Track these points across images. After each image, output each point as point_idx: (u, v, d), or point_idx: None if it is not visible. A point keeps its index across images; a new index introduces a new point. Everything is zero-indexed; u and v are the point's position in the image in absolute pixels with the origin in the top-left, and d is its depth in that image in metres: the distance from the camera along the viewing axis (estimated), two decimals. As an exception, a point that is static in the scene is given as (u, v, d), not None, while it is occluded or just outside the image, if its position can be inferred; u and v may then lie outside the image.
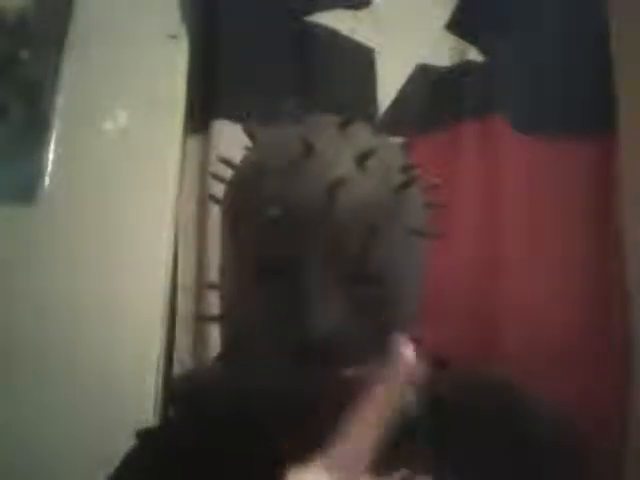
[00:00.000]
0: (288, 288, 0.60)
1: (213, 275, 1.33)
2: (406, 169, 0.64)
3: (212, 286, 0.70)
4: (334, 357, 0.59)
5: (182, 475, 0.69)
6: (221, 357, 0.71)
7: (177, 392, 0.83)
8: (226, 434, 0.68)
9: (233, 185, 0.67)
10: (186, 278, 1.40)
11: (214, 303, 1.29)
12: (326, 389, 0.58)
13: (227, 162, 0.69)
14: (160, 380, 1.34)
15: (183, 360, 1.35)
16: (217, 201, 0.70)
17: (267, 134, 0.69)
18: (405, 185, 0.62)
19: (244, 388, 0.65)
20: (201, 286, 1.37)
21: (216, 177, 0.70)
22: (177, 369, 1.34)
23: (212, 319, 0.69)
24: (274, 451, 0.60)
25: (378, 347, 0.61)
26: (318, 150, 0.61)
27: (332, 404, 0.57)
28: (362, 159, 0.61)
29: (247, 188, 0.64)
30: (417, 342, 0.68)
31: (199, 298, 1.37)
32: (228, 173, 0.70)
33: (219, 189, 0.71)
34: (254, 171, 0.63)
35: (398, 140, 0.82)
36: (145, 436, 0.76)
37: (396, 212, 0.62)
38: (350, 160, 0.61)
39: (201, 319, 0.73)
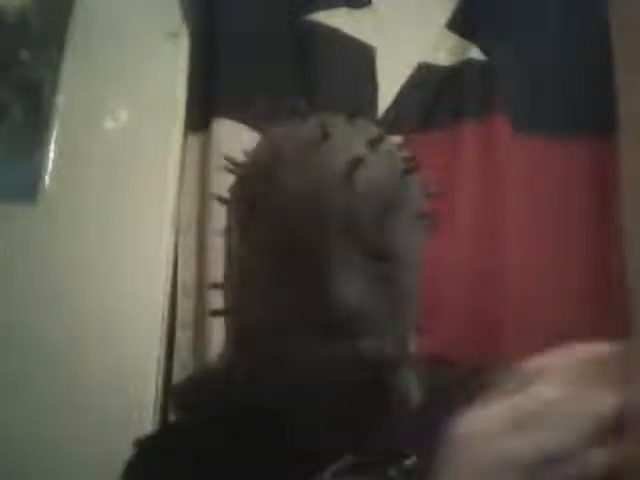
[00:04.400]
0: (309, 264, 0.62)
1: (213, 275, 1.33)
2: (407, 159, 0.67)
3: (215, 285, 0.71)
4: (354, 328, 0.61)
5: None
6: (229, 349, 0.71)
7: (179, 395, 0.83)
8: (235, 434, 0.68)
9: (249, 173, 0.68)
10: (186, 278, 1.40)
11: (215, 302, 1.30)
12: (345, 359, 0.60)
13: (231, 160, 0.71)
14: (160, 380, 1.34)
15: (183, 360, 1.35)
16: (222, 200, 0.71)
17: (279, 126, 0.71)
18: (409, 171, 0.66)
19: (263, 376, 0.66)
20: (201, 286, 1.37)
21: (229, 170, 0.71)
22: (177, 369, 1.34)
23: (221, 313, 0.70)
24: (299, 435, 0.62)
25: (391, 323, 0.63)
26: (333, 135, 0.63)
27: (350, 374, 0.58)
28: (373, 143, 0.64)
29: (266, 173, 0.65)
30: (421, 331, 0.69)
31: (199, 298, 1.38)
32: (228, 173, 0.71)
33: (222, 187, 0.72)
34: (271, 158, 0.65)
35: (398, 139, 0.83)
36: (145, 443, 0.76)
37: (404, 195, 0.65)
38: (363, 144, 0.64)
39: (212, 314, 0.73)
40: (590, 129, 1.45)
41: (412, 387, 0.66)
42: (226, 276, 0.71)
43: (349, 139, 0.64)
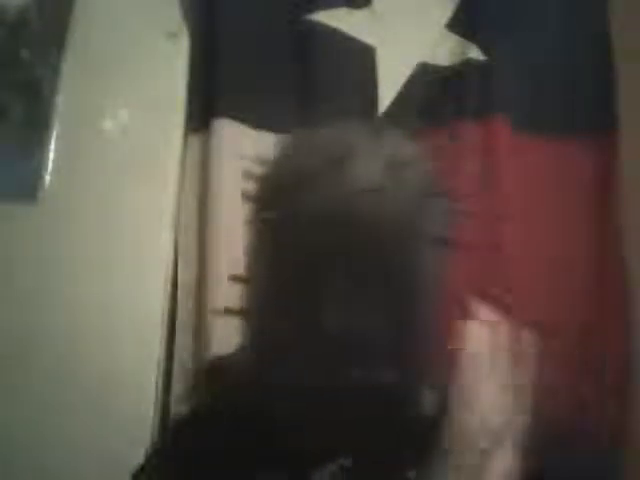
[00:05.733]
0: (314, 286, 0.61)
1: (213, 275, 1.33)
2: (436, 177, 0.66)
3: (237, 278, 0.71)
4: (356, 356, 0.60)
5: (211, 463, 0.69)
6: (243, 350, 0.71)
7: (202, 383, 0.83)
8: (247, 425, 0.68)
9: (269, 186, 0.68)
10: (186, 278, 1.40)
11: (214, 302, 1.30)
12: (345, 387, 0.60)
13: (263, 161, 0.70)
14: (160, 380, 1.34)
15: (183, 359, 1.35)
16: (250, 198, 0.70)
17: (303, 136, 0.70)
18: (433, 194, 0.64)
19: (265, 381, 0.66)
20: (201, 286, 1.37)
21: (247, 175, 0.70)
22: (177, 370, 1.34)
23: (237, 313, 0.70)
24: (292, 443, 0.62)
25: (399, 349, 0.62)
26: (352, 155, 0.62)
27: (350, 402, 0.58)
28: (394, 166, 0.63)
29: (281, 188, 0.65)
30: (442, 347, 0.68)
31: (199, 298, 1.37)
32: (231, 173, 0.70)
33: (222, 187, 0.71)
34: (288, 171, 0.65)
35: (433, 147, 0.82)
36: (176, 425, 0.76)
37: (422, 220, 0.63)
38: (382, 167, 0.63)
39: (228, 312, 0.73)
40: (590, 129, 1.45)
41: (426, 403, 0.66)
42: (247, 274, 0.71)
43: (368, 161, 0.63)
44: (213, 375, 0.81)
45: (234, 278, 0.71)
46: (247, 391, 0.69)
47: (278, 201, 0.65)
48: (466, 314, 0.64)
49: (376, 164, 0.63)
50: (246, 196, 0.71)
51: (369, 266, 0.61)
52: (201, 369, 1.05)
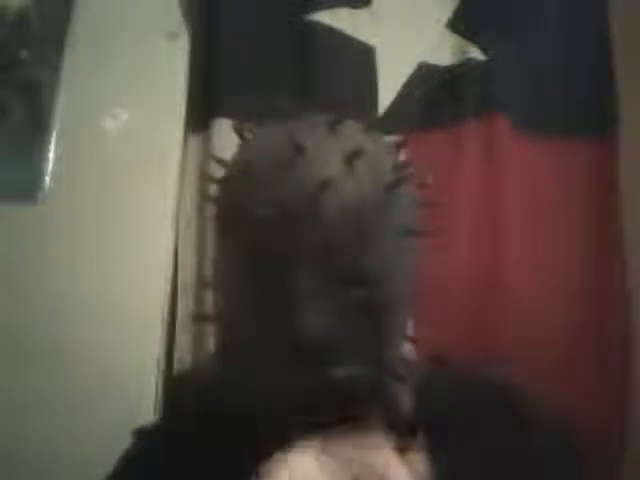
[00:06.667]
0: (279, 288, 0.60)
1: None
2: (397, 168, 0.64)
3: (208, 285, 0.70)
4: (325, 357, 0.59)
5: (180, 472, 0.69)
6: (216, 356, 0.71)
7: (173, 391, 0.84)
8: (220, 431, 0.68)
9: (223, 185, 0.67)
10: (186, 278, 1.40)
11: (213, 302, 1.30)
12: (315, 389, 0.59)
13: (221, 162, 0.69)
14: (160, 380, 1.34)
15: (183, 360, 1.35)
16: (210, 200, 0.70)
17: (257, 134, 0.69)
18: (395, 184, 0.62)
19: (237, 387, 0.65)
20: (201, 286, 1.37)
21: (213, 180, 0.69)
22: (177, 369, 1.34)
23: (208, 318, 0.69)
24: (267, 448, 0.61)
25: (370, 347, 0.62)
26: (307, 151, 0.60)
27: (321, 404, 0.58)
28: (351, 159, 0.61)
29: (237, 189, 0.64)
30: (414, 342, 0.68)
31: (199, 298, 1.38)
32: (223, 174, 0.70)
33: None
34: (244, 172, 0.63)
35: (396, 139, 0.82)
36: (143, 434, 0.76)
37: (385, 212, 0.61)
38: (338, 161, 0.61)
39: (198, 319, 0.73)
40: (590, 129, 1.45)
41: (399, 399, 0.65)
42: (213, 279, 0.70)
43: (323, 155, 0.61)
44: (182, 384, 0.81)
45: (204, 285, 0.71)
46: (218, 398, 0.69)
47: (234, 202, 0.63)
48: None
49: (331, 158, 0.61)
50: (208, 198, 0.70)
51: (331, 263, 0.60)
52: (171, 379, 1.04)
